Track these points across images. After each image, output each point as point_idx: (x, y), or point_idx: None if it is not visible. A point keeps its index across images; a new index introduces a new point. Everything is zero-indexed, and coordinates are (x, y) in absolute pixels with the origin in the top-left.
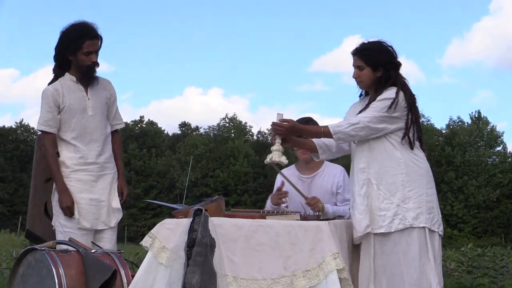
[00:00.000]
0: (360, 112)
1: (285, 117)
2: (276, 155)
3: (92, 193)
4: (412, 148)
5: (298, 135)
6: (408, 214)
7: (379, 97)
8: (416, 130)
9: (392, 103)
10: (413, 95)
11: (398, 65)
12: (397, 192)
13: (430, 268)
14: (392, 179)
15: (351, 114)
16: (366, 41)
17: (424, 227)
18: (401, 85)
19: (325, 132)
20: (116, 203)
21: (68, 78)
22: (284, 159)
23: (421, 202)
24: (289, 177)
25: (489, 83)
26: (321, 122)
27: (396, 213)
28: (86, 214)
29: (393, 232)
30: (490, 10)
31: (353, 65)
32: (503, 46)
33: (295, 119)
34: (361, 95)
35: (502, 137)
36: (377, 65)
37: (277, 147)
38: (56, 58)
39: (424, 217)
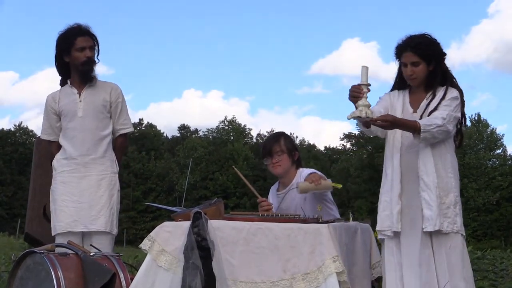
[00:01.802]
0: (428, 108)
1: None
2: (369, 111)
3: (73, 194)
4: (459, 147)
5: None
6: (457, 219)
7: (448, 95)
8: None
9: (462, 105)
10: (463, 93)
11: (445, 56)
12: (450, 194)
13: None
14: (445, 181)
15: (388, 106)
16: (412, 36)
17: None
18: (452, 81)
19: (418, 128)
20: (99, 207)
21: (67, 85)
22: (374, 116)
23: (460, 209)
24: (270, 195)
25: (489, 86)
26: (320, 125)
27: (446, 215)
28: (64, 216)
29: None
30: (488, 13)
31: (405, 62)
32: (502, 49)
33: (295, 120)
34: (394, 88)
35: (502, 140)
36: (431, 59)
37: (367, 103)
38: (56, 64)
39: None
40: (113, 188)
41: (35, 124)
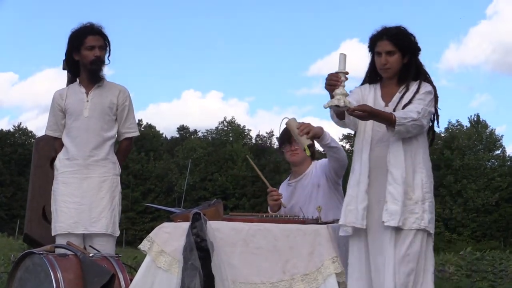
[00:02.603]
0: (401, 101)
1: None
2: (346, 100)
3: (75, 195)
4: (431, 145)
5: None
6: (425, 215)
7: (422, 89)
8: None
9: (435, 101)
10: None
11: (420, 51)
12: (418, 190)
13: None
14: (414, 176)
15: (360, 99)
16: (390, 26)
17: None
18: (426, 77)
19: (393, 121)
20: (100, 209)
21: (76, 83)
22: (351, 105)
23: (431, 206)
24: (281, 187)
25: (487, 87)
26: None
27: (413, 211)
28: (66, 218)
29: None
30: (487, 15)
31: (379, 51)
32: (501, 50)
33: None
34: (365, 82)
35: (501, 141)
36: (407, 51)
37: (344, 91)
38: (66, 62)
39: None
40: (114, 190)
41: (35, 125)
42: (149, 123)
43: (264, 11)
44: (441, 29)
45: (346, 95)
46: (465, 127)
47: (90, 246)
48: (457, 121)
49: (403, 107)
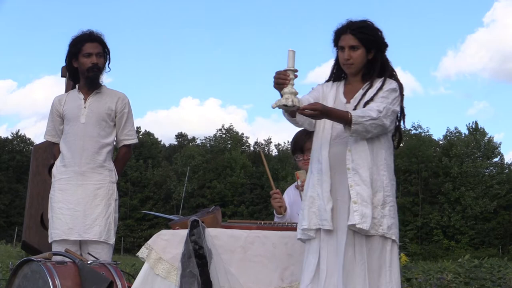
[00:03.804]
0: (363, 98)
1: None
2: (295, 99)
3: (70, 202)
4: (398, 146)
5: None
6: (384, 220)
7: (386, 86)
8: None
9: (401, 99)
10: (402, 85)
11: (387, 47)
12: (379, 193)
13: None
14: (375, 178)
15: (319, 96)
16: (355, 20)
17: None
18: (392, 73)
19: (349, 119)
20: (94, 216)
21: (76, 89)
22: (301, 104)
23: (392, 210)
24: (286, 192)
25: (485, 94)
26: None
27: (372, 215)
28: (61, 224)
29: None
30: (484, 22)
31: (343, 45)
32: (498, 57)
33: (292, 128)
34: (329, 80)
35: (499, 148)
36: (371, 46)
37: (293, 90)
38: (67, 68)
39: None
40: (110, 197)
41: (33, 132)
42: (147, 131)
43: (262, 18)
44: (438, 37)
45: (295, 93)
46: (463, 135)
47: (88, 253)
48: (456, 128)
49: (365, 105)
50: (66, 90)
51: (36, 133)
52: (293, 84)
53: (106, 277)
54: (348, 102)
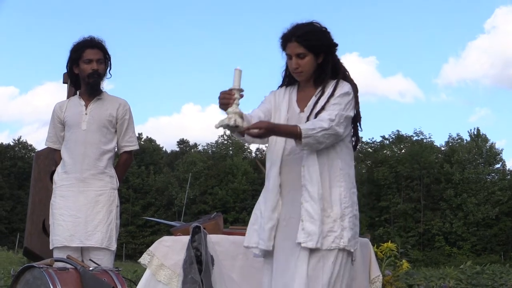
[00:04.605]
0: (315, 107)
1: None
2: (238, 118)
3: (71, 209)
4: (355, 149)
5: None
6: (344, 233)
7: (338, 91)
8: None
9: (355, 101)
10: (356, 84)
11: (336, 46)
12: (336, 206)
13: None
14: (331, 191)
15: (272, 108)
16: (298, 24)
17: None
18: (345, 75)
19: (299, 134)
20: (95, 223)
21: (76, 96)
22: (245, 124)
23: (352, 222)
24: None
25: (487, 101)
26: None
27: (331, 229)
28: (62, 231)
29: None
30: (485, 29)
31: (289, 53)
32: (499, 64)
33: None
34: (283, 84)
35: (501, 155)
36: (320, 51)
37: (237, 109)
38: (68, 75)
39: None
40: (111, 204)
41: (34, 138)
42: (149, 137)
43: (263, 25)
44: (440, 44)
45: (239, 113)
46: (465, 141)
47: (90, 259)
48: (457, 135)
49: (317, 114)
50: (68, 97)
51: (38, 140)
52: (238, 104)
53: (108, 283)
54: (302, 111)
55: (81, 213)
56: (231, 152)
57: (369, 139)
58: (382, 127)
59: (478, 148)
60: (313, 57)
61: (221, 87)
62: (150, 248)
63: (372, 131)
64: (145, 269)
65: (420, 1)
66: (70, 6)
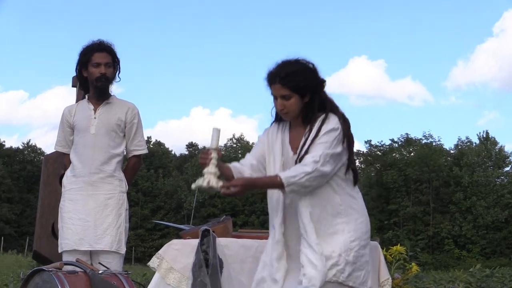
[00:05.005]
0: (302, 149)
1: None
2: (213, 179)
3: (80, 212)
4: (355, 183)
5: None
6: (347, 268)
7: (324, 129)
8: (354, 160)
9: (343, 136)
10: (345, 116)
11: (324, 83)
12: (338, 243)
13: None
14: (332, 229)
15: (265, 152)
16: (282, 63)
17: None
18: (332, 107)
19: (280, 184)
20: (105, 226)
21: (85, 99)
22: (220, 184)
23: (355, 256)
24: None
25: (496, 104)
26: None
27: (336, 263)
28: (71, 235)
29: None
30: (493, 32)
31: (274, 95)
32: (508, 67)
33: None
34: (275, 120)
35: (510, 158)
36: (305, 91)
37: (213, 170)
38: (77, 78)
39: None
40: (121, 207)
41: (44, 142)
42: (158, 140)
43: (272, 29)
44: (448, 47)
45: (215, 174)
46: (474, 144)
47: (99, 263)
48: (467, 138)
49: (301, 158)
50: (77, 100)
51: (47, 143)
52: (215, 164)
53: (117, 286)
54: (295, 153)
55: (90, 217)
56: (240, 155)
57: (378, 142)
58: (391, 130)
59: (487, 151)
60: (298, 97)
61: (229, 91)
62: (159, 252)
63: (381, 134)
64: (154, 273)
65: (429, 4)
66: (80, 9)
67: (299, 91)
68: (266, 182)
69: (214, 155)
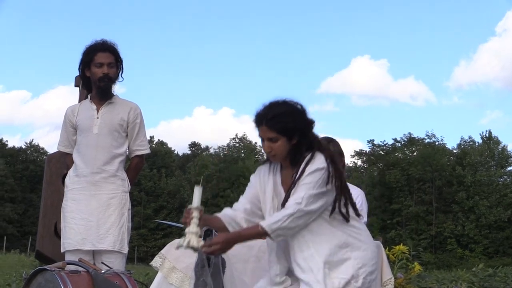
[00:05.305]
0: (290, 190)
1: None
2: (193, 239)
3: (83, 212)
4: (348, 221)
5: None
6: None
7: (308, 169)
8: (348, 196)
9: (329, 175)
10: (333, 155)
11: (313, 123)
12: (347, 274)
13: None
14: (338, 258)
15: (258, 195)
16: (270, 105)
17: None
18: (320, 146)
19: (263, 232)
20: (107, 226)
21: (88, 99)
22: (201, 244)
23: (373, 278)
24: None
25: (498, 103)
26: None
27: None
28: (74, 234)
29: None
30: (496, 32)
31: (261, 137)
32: (510, 67)
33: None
34: (268, 160)
35: None
36: (292, 133)
37: (194, 229)
38: (80, 77)
39: None
40: (123, 207)
41: (46, 142)
42: (160, 140)
43: (275, 29)
44: (451, 46)
45: (196, 233)
46: (477, 144)
47: (102, 262)
48: (469, 137)
49: (284, 203)
50: (80, 100)
51: (50, 143)
52: (196, 223)
53: (120, 286)
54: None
55: (93, 217)
56: (242, 155)
57: (380, 141)
58: (394, 130)
59: (490, 150)
60: (286, 139)
61: (232, 91)
62: (162, 251)
63: (383, 133)
64: (157, 272)
65: (431, 4)
66: (83, 9)
67: (286, 133)
68: (250, 233)
69: (195, 214)
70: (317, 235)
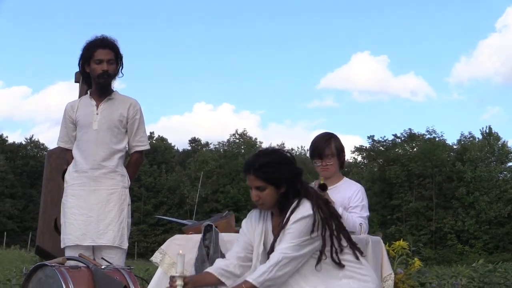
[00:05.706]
0: (276, 237)
1: None
2: None
3: (83, 208)
4: (342, 266)
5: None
6: None
7: (293, 217)
8: (347, 238)
9: (313, 223)
10: (321, 202)
11: (301, 172)
12: None
13: None
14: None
15: (249, 243)
16: (258, 154)
17: None
18: (308, 194)
19: (252, 287)
20: (107, 222)
21: (87, 95)
22: None
23: None
24: None
25: (499, 99)
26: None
27: None
28: (74, 230)
29: None
30: (496, 28)
31: (250, 185)
32: (511, 62)
33: (305, 134)
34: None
35: None
36: (280, 182)
37: None
38: (80, 73)
39: None
40: (123, 202)
41: (46, 137)
42: (160, 136)
43: (275, 25)
44: (451, 42)
45: None
46: (477, 139)
47: (102, 258)
48: (469, 133)
49: (269, 254)
50: (80, 96)
51: (50, 139)
52: None
53: (120, 282)
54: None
55: (92, 212)
56: (243, 151)
57: (381, 137)
58: (394, 126)
59: (490, 146)
60: (274, 188)
61: (232, 87)
62: (162, 247)
63: (384, 129)
64: (157, 268)
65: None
66: (83, 5)
67: (274, 183)
68: None
69: (179, 282)
70: (311, 276)
